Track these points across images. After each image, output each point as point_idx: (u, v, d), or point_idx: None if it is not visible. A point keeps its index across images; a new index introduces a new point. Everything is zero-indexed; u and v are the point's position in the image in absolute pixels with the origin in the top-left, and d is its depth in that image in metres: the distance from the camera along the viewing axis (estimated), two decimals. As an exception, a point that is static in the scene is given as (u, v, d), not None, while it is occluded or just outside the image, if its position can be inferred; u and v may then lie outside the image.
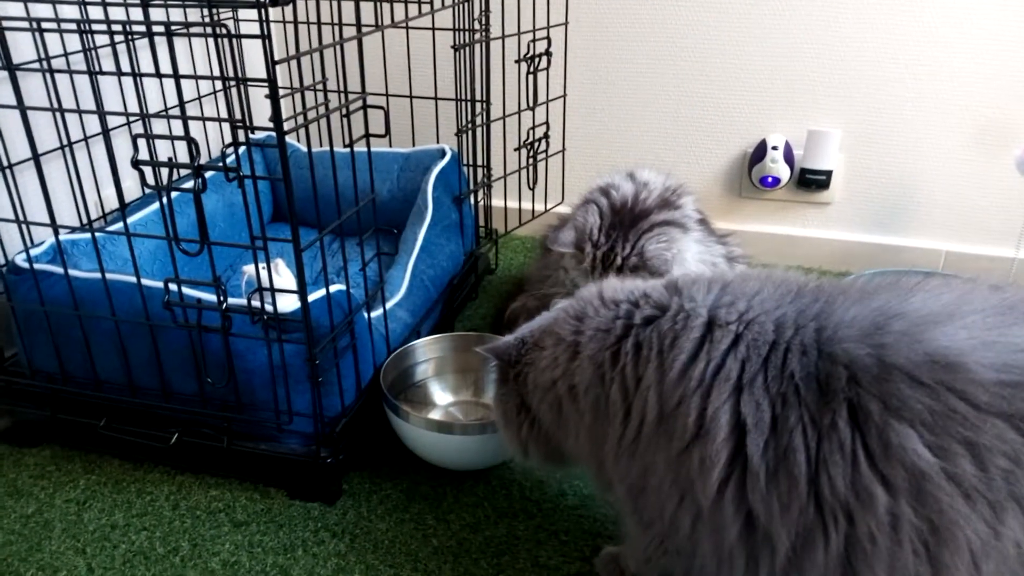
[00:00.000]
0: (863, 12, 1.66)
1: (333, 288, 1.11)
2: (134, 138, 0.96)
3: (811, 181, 1.80)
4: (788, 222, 1.89)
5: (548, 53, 1.68)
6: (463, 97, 1.63)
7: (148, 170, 0.98)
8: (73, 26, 1.05)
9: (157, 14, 1.33)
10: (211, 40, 1.65)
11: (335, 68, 1.07)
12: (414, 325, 1.39)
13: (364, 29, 1.11)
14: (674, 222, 1.36)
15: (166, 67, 0.95)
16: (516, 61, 1.66)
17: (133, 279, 1.11)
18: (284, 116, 0.93)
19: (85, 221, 1.26)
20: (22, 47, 1.19)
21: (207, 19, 1.00)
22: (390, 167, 1.72)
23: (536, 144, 1.77)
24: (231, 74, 1.55)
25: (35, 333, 1.21)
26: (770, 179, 1.80)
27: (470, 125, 1.66)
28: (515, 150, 1.78)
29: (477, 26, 1.59)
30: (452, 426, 1.17)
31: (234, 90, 1.67)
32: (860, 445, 0.67)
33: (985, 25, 1.61)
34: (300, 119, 0.97)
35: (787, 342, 0.73)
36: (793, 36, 1.72)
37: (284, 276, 1.20)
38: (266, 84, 0.91)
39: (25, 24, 1.03)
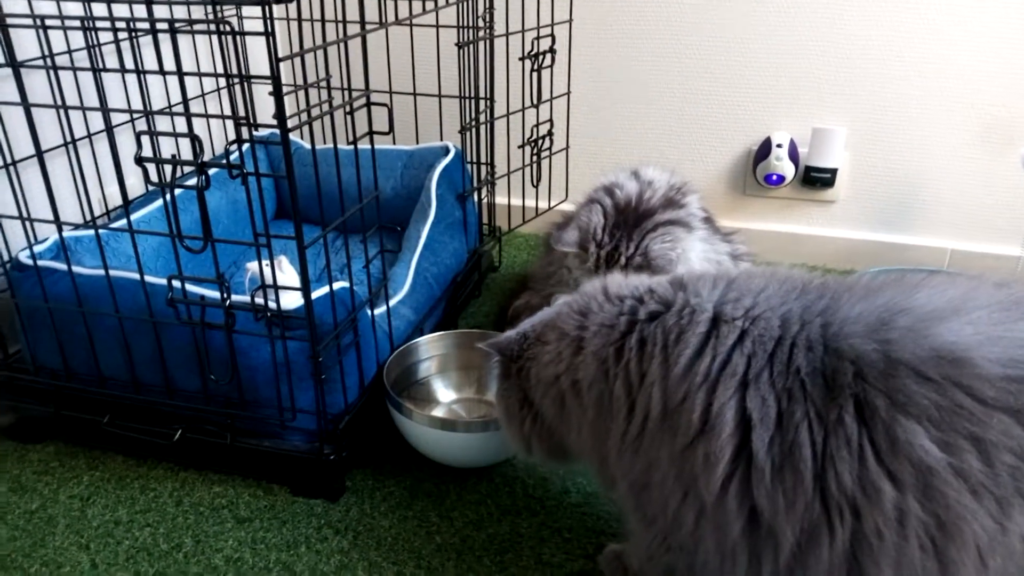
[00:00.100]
0: (869, 9, 1.66)
1: (336, 285, 1.11)
2: (138, 135, 0.96)
3: (816, 179, 1.79)
4: (793, 220, 1.88)
5: (552, 50, 1.67)
6: (467, 94, 1.62)
7: (152, 167, 0.98)
8: (77, 23, 1.05)
9: (161, 11, 1.33)
10: (215, 37, 1.65)
11: (339, 65, 1.06)
12: (417, 322, 1.39)
13: (368, 26, 1.10)
14: (678, 221, 1.35)
15: (170, 64, 0.95)
16: (520, 58, 1.65)
17: (136, 276, 1.11)
18: (288, 113, 0.93)
19: (89, 218, 1.26)
20: (26, 44, 1.19)
21: (211, 16, 1.00)
22: (394, 164, 1.72)
23: (540, 141, 1.77)
24: (235, 71, 1.56)
25: (39, 329, 1.21)
26: (775, 177, 1.80)
27: (474, 122, 1.66)
28: (519, 147, 1.78)
29: (481, 23, 1.58)
30: (455, 423, 1.17)
31: (238, 87, 1.67)
32: (867, 440, 0.67)
33: (991, 23, 1.60)
34: (304, 116, 0.97)
35: (793, 338, 0.73)
36: (798, 33, 1.71)
37: (288, 273, 1.20)
38: (270, 81, 0.91)
39: (29, 21, 1.03)
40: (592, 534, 1.10)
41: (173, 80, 0.95)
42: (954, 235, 1.79)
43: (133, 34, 1.14)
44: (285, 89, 0.92)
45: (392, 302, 1.32)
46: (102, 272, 1.13)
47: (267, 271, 1.05)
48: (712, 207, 1.53)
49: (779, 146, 1.77)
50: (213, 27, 0.95)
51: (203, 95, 1.67)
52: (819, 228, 1.87)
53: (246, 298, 1.05)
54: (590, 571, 1.05)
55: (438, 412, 1.32)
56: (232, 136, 1.80)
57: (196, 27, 1.08)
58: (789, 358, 0.72)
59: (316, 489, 1.17)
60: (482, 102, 1.66)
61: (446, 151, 1.68)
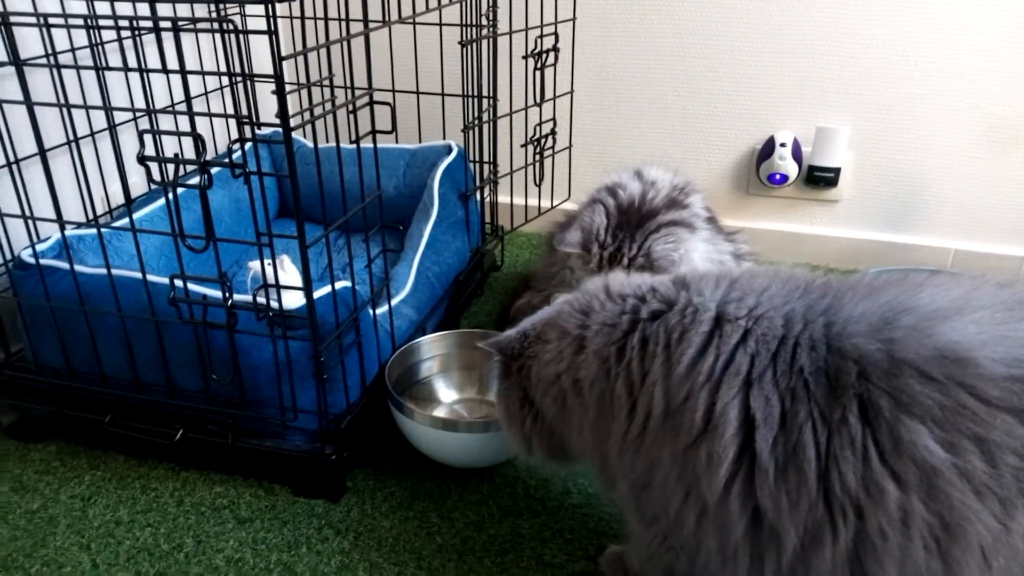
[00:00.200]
0: (873, 8, 1.65)
1: (339, 285, 1.11)
2: (140, 134, 0.96)
3: (819, 178, 1.79)
4: (796, 219, 1.88)
5: (556, 49, 1.67)
6: (470, 93, 1.62)
7: (154, 166, 0.98)
8: (80, 21, 1.05)
9: (164, 10, 1.33)
10: (218, 36, 1.65)
11: (342, 64, 1.06)
12: (419, 322, 1.39)
13: (371, 25, 1.10)
14: (681, 222, 1.35)
15: (173, 63, 0.95)
16: (523, 57, 1.65)
17: (139, 275, 1.11)
18: (291, 112, 0.93)
19: (91, 217, 1.26)
20: (29, 42, 1.19)
21: (214, 15, 1.00)
22: (396, 163, 1.72)
23: (543, 140, 1.77)
24: (238, 70, 1.56)
25: (41, 329, 1.21)
26: (778, 176, 1.79)
27: (477, 121, 1.66)
28: (522, 146, 1.78)
29: (484, 22, 1.58)
30: (457, 423, 1.17)
31: (241, 86, 1.67)
32: (871, 441, 0.67)
33: (995, 22, 1.60)
34: (306, 115, 0.97)
35: (796, 337, 0.73)
36: (802, 32, 1.71)
37: (290, 272, 1.20)
38: (273, 80, 0.90)
39: (32, 19, 1.03)
40: (593, 535, 1.10)
41: (176, 79, 0.95)
42: (958, 235, 1.79)
43: (136, 32, 1.14)
44: (288, 88, 0.92)
45: (394, 301, 1.32)
46: (104, 271, 1.13)
47: (269, 270, 1.05)
48: (715, 206, 1.52)
49: (783, 145, 1.77)
50: (216, 26, 0.95)
51: (206, 93, 1.67)
52: (823, 228, 1.87)
53: (248, 297, 1.05)
54: (591, 572, 1.04)
55: (440, 412, 1.31)
56: (235, 135, 1.80)
57: (199, 26, 1.07)
58: (793, 357, 0.72)
59: (317, 489, 1.17)
60: (485, 101, 1.65)
61: (449, 150, 1.68)
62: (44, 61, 1.11)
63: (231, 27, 0.95)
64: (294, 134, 0.95)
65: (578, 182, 1.90)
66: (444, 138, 1.75)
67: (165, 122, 1.58)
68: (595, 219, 1.34)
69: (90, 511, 1.15)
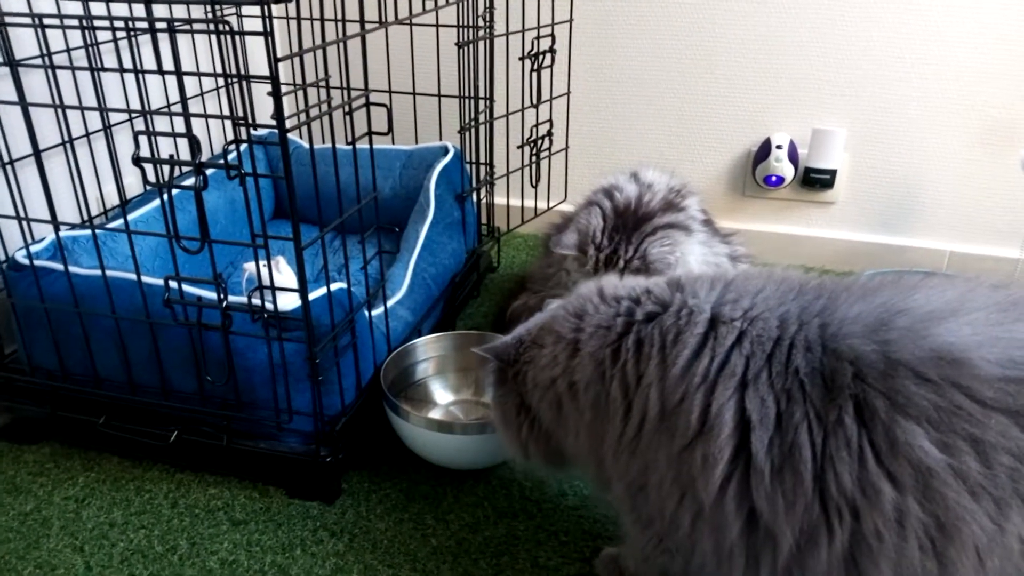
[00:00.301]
0: (869, 11, 1.65)
1: (334, 286, 1.11)
2: (136, 135, 0.96)
3: (815, 180, 1.79)
4: (792, 221, 1.88)
5: (552, 50, 1.67)
6: (466, 94, 1.62)
7: (149, 167, 0.97)
8: (75, 22, 1.05)
9: (160, 10, 1.33)
10: (214, 37, 1.64)
11: (338, 65, 1.06)
12: (415, 323, 1.39)
13: (368, 26, 1.10)
14: (677, 225, 1.35)
15: (168, 63, 0.95)
16: (520, 58, 1.65)
17: (133, 276, 1.11)
18: (287, 113, 0.92)
19: (86, 218, 1.26)
20: (24, 42, 1.18)
21: (210, 16, 1.00)
22: (392, 164, 1.71)
23: (539, 142, 1.77)
24: (233, 71, 1.55)
25: (35, 330, 1.21)
26: (774, 178, 1.79)
27: (473, 122, 1.65)
28: (518, 148, 1.77)
29: (481, 23, 1.58)
30: (452, 425, 1.17)
31: (236, 87, 1.66)
32: (866, 441, 0.67)
33: (991, 24, 1.60)
34: (302, 116, 0.96)
35: (791, 338, 0.73)
36: (798, 34, 1.71)
37: (285, 274, 1.20)
38: (269, 81, 0.90)
39: (27, 20, 1.03)
40: (589, 537, 1.10)
41: (171, 79, 0.94)
42: (953, 237, 1.79)
43: (132, 33, 1.14)
44: (284, 89, 0.92)
45: (390, 303, 1.32)
46: (99, 272, 1.12)
47: (264, 272, 1.05)
48: (711, 208, 1.53)
49: (779, 147, 1.77)
50: (212, 27, 0.94)
51: (202, 94, 1.67)
52: (818, 229, 1.87)
53: (243, 299, 1.05)
54: (586, 574, 1.04)
55: (435, 414, 1.31)
56: (231, 135, 1.80)
57: (195, 27, 1.07)
58: (788, 359, 0.72)
59: (312, 491, 1.17)
60: (482, 102, 1.65)
61: (445, 151, 1.67)
62: (39, 62, 1.10)
63: (227, 28, 0.95)
64: (290, 135, 0.95)
65: (575, 184, 1.90)
66: (441, 139, 1.75)
67: (160, 123, 1.58)
68: (591, 221, 1.34)
69: (84, 513, 1.15)
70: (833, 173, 1.78)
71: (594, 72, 1.87)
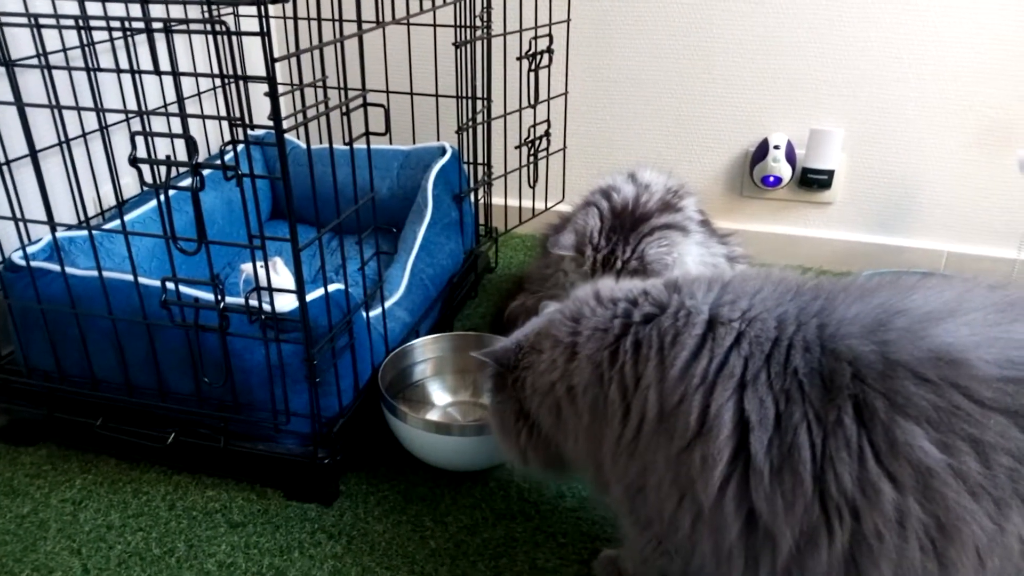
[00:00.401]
0: (867, 11, 1.65)
1: (332, 287, 1.11)
2: (132, 135, 0.96)
3: (813, 181, 1.79)
4: (790, 222, 1.88)
5: (550, 51, 1.67)
6: (464, 94, 1.62)
7: (146, 168, 0.97)
8: (71, 22, 1.04)
9: (156, 10, 1.33)
10: (210, 37, 1.64)
11: (335, 65, 1.06)
12: (413, 324, 1.38)
13: (365, 26, 1.10)
14: (675, 225, 1.35)
15: (165, 63, 0.95)
16: (517, 58, 1.65)
17: (130, 277, 1.10)
18: (284, 114, 0.92)
19: (83, 218, 1.25)
20: (20, 43, 1.18)
21: (206, 16, 1.00)
22: (390, 165, 1.71)
23: (537, 142, 1.77)
24: (230, 71, 1.55)
25: (32, 331, 1.20)
26: (772, 178, 1.79)
27: (471, 123, 1.65)
28: (516, 148, 1.77)
29: (478, 23, 1.58)
30: (450, 427, 1.17)
31: (233, 87, 1.66)
32: (866, 442, 0.67)
33: (989, 25, 1.60)
34: (300, 117, 0.96)
35: (789, 339, 0.73)
36: (796, 35, 1.71)
37: (282, 275, 1.20)
38: (265, 82, 0.90)
39: (23, 20, 1.03)
40: (587, 539, 1.10)
41: (168, 80, 0.94)
42: (950, 237, 1.79)
43: (128, 33, 1.14)
44: (281, 89, 0.92)
45: (387, 304, 1.31)
46: (96, 273, 1.12)
47: (261, 273, 1.04)
48: (709, 208, 1.52)
49: (776, 147, 1.77)
50: (208, 27, 0.94)
51: (199, 94, 1.67)
52: (816, 230, 1.87)
53: (240, 300, 1.05)
54: None
55: (433, 415, 1.31)
56: (227, 136, 1.79)
57: (191, 27, 1.07)
58: (786, 359, 0.72)
59: (310, 493, 1.16)
60: (479, 102, 1.65)
61: (443, 151, 1.67)
62: (35, 62, 1.10)
63: (223, 28, 0.95)
64: (287, 135, 0.95)
65: (572, 184, 1.90)
66: (438, 139, 1.75)
67: (157, 123, 1.57)
68: (589, 222, 1.34)
69: (81, 515, 1.14)
70: (831, 173, 1.78)
71: (592, 72, 1.86)
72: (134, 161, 0.95)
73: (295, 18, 1.09)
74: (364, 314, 1.20)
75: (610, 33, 1.82)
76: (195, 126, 1.67)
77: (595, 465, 0.85)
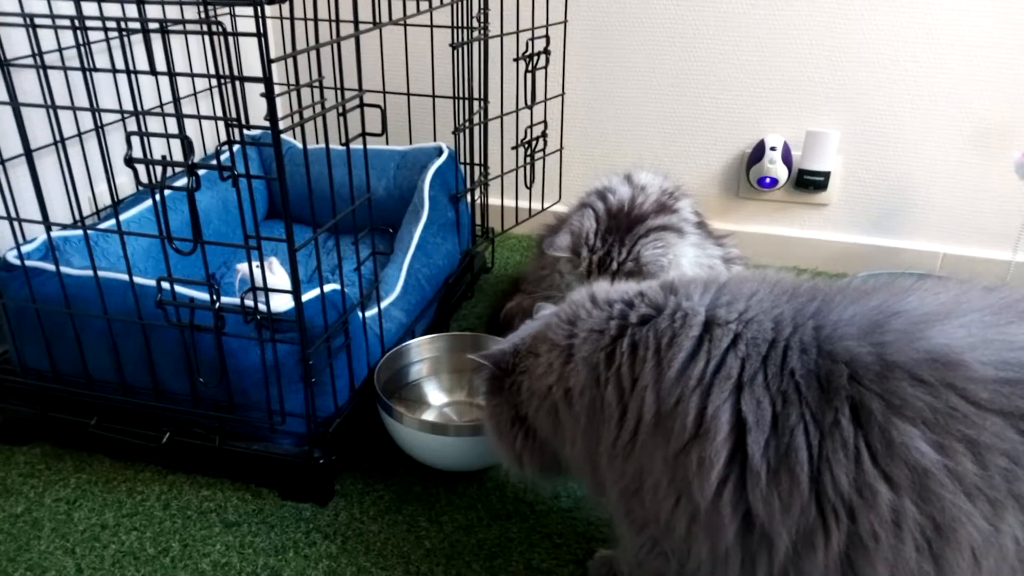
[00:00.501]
0: (863, 13, 1.66)
1: (327, 287, 1.10)
2: (128, 135, 0.95)
3: (809, 182, 1.79)
4: (786, 223, 1.88)
5: (547, 52, 1.67)
6: (461, 95, 1.62)
7: (142, 168, 0.97)
8: (67, 22, 1.04)
9: (153, 10, 1.32)
10: (207, 37, 1.64)
11: (332, 66, 1.06)
12: (409, 324, 1.38)
13: (361, 27, 1.10)
14: (670, 227, 1.35)
15: (161, 64, 0.94)
16: (514, 59, 1.65)
17: (125, 277, 1.10)
18: (280, 114, 0.92)
19: (78, 218, 1.25)
20: (15, 42, 1.18)
21: (203, 16, 0.99)
22: (386, 165, 1.71)
23: (534, 143, 1.77)
24: (226, 71, 1.55)
25: (26, 330, 1.20)
26: (768, 180, 1.79)
27: (467, 123, 1.65)
28: (512, 148, 1.77)
29: (476, 24, 1.58)
30: (446, 427, 1.17)
31: (229, 87, 1.66)
32: (863, 443, 0.67)
33: (984, 28, 1.61)
34: (296, 117, 0.96)
35: (786, 340, 0.73)
36: (792, 37, 1.71)
37: (278, 275, 1.20)
38: (262, 82, 0.90)
39: (19, 19, 1.02)
40: (582, 539, 1.10)
41: (164, 79, 0.94)
42: (946, 239, 1.80)
43: (124, 33, 1.13)
44: (277, 90, 0.92)
45: (383, 304, 1.31)
46: (90, 273, 1.12)
47: (257, 273, 1.04)
48: (705, 210, 1.53)
49: (773, 149, 1.77)
50: (205, 27, 0.94)
51: (195, 94, 1.66)
52: (812, 231, 1.87)
53: (236, 300, 1.04)
54: (582, 576, 1.04)
55: (429, 415, 1.31)
56: (223, 136, 1.79)
57: (188, 27, 1.07)
58: (783, 361, 0.72)
59: (305, 493, 1.16)
60: (476, 103, 1.65)
61: (439, 152, 1.67)
62: (30, 61, 1.10)
63: (220, 29, 0.95)
64: (283, 135, 0.95)
65: (569, 185, 1.90)
66: (435, 140, 1.75)
67: (153, 123, 1.57)
68: (584, 223, 1.34)
69: (75, 515, 1.14)
70: (827, 175, 1.78)
71: (588, 73, 1.87)
72: (130, 161, 0.95)
73: (292, 18, 1.09)
74: (360, 314, 1.20)
75: (607, 35, 1.82)
76: (191, 126, 1.67)
77: (592, 467, 0.85)
